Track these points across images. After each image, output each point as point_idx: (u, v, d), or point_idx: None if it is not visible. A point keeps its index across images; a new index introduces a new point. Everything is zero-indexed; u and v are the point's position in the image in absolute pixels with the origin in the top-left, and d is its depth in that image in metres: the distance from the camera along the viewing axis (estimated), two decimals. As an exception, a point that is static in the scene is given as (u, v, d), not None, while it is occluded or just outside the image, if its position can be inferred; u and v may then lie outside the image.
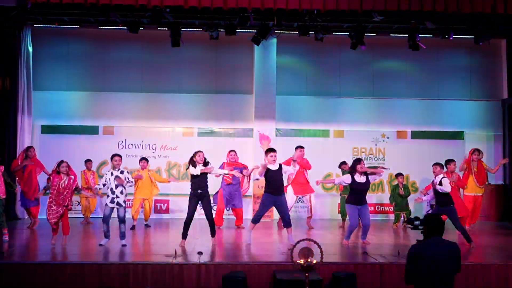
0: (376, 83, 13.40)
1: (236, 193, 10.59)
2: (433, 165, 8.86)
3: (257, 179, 9.12)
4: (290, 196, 10.25)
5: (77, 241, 8.98)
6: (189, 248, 8.16)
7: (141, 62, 13.08)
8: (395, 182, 11.36)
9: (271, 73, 12.86)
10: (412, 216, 11.08)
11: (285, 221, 8.52)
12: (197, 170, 8.28)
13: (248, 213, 12.12)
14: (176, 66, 13.04)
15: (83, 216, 11.25)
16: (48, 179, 8.65)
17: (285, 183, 9.30)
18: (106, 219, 8.25)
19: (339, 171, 11.97)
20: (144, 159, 10.71)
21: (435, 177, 8.67)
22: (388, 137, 13.13)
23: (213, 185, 9.92)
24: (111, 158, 8.42)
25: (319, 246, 6.53)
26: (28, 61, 12.39)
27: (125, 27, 11.45)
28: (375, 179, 8.98)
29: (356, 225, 8.78)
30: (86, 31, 12.82)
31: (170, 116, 13.02)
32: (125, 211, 8.40)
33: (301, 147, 10.50)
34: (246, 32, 11.89)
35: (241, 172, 9.68)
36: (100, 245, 8.21)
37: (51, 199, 8.23)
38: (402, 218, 11.25)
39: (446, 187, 8.49)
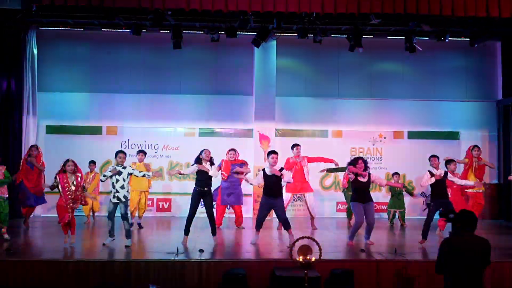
0: (374, 85, 13.41)
1: (235, 190, 10.37)
2: (432, 157, 8.84)
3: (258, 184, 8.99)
4: (285, 195, 10.05)
5: (80, 239, 8.99)
6: (190, 246, 8.17)
7: (143, 63, 13.08)
8: (408, 179, 11.34)
9: (270, 74, 12.87)
10: (405, 214, 11.19)
11: (284, 224, 8.50)
12: (214, 171, 8.53)
13: (248, 212, 12.13)
14: (178, 67, 13.05)
15: (85, 215, 11.15)
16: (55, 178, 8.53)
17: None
18: (110, 215, 8.20)
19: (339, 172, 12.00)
20: (141, 152, 10.52)
21: (436, 169, 8.67)
22: (385, 137, 13.14)
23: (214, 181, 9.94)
24: (116, 155, 8.38)
25: (317, 243, 6.54)
26: (33, 62, 12.40)
27: (128, 30, 11.47)
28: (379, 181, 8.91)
29: (361, 222, 8.53)
30: (90, 33, 12.82)
31: (172, 117, 13.03)
32: (126, 208, 8.31)
33: (297, 145, 10.46)
34: (246, 34, 11.91)
35: (241, 167, 9.76)
36: (104, 244, 8.13)
37: (61, 199, 8.11)
38: (397, 216, 11.26)
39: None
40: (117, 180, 8.20)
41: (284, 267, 6.95)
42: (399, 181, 11.24)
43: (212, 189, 8.91)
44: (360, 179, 8.49)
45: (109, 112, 12.90)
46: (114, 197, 8.21)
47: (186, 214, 8.51)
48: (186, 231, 8.45)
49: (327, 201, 12.79)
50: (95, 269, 7.00)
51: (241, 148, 11.29)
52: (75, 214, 8.34)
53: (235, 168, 9.68)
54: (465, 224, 4.80)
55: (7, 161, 9.91)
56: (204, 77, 13.15)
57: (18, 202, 10.26)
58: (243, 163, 10.20)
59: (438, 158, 8.90)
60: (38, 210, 11.69)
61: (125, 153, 8.49)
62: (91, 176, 11.08)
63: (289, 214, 9.18)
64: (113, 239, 8.25)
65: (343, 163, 12.78)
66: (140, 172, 8.54)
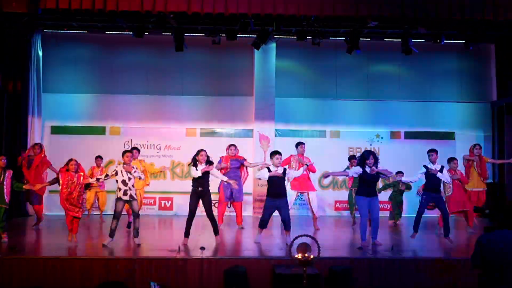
0: (371, 86, 13.41)
1: (240, 185, 10.02)
2: (430, 151, 8.68)
3: (260, 179, 8.89)
4: (290, 194, 9.82)
5: (84, 237, 8.99)
6: (192, 243, 8.16)
7: (146, 65, 13.08)
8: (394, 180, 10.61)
9: (270, 76, 12.87)
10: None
11: (286, 224, 8.29)
12: (198, 172, 8.14)
13: (247, 210, 12.11)
14: (179, 69, 13.05)
15: (87, 213, 11.06)
16: (58, 174, 8.43)
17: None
18: (117, 215, 8.01)
19: (336, 170, 11.95)
20: (135, 149, 9.99)
21: (433, 164, 8.57)
22: (382, 138, 13.14)
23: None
24: (123, 154, 8.22)
25: (316, 241, 6.54)
26: (38, 64, 12.40)
27: (131, 32, 11.46)
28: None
29: (367, 216, 8.26)
30: (94, 36, 12.83)
31: (173, 117, 13.03)
32: (137, 205, 8.21)
33: (302, 143, 10.22)
34: (246, 37, 11.90)
35: (243, 164, 9.72)
36: (104, 245, 7.87)
37: (63, 198, 8.00)
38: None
39: (445, 175, 8.57)
40: (129, 178, 8.03)
41: (283, 265, 6.95)
42: (402, 179, 10.81)
43: (213, 188, 8.83)
44: (368, 170, 8.17)
45: (112, 113, 12.91)
46: (125, 194, 7.98)
47: (187, 213, 8.46)
48: (186, 233, 8.25)
49: (325, 200, 12.77)
50: (99, 266, 6.99)
51: (241, 148, 11.24)
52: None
53: (233, 163, 9.66)
54: (504, 221, 4.67)
55: (13, 161, 9.87)
56: (205, 78, 13.14)
57: (24, 201, 10.13)
58: (243, 160, 10.05)
59: (437, 152, 8.71)
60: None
61: (132, 152, 8.39)
62: (98, 171, 10.84)
63: (291, 212, 9.04)
64: (112, 240, 8.02)
65: (340, 163, 12.86)
66: (140, 178, 8.37)
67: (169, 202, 12.67)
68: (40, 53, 12.49)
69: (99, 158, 11.10)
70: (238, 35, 11.39)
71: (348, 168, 10.50)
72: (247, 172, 10.49)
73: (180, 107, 13.05)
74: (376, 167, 8.21)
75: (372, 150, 12.54)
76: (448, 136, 13.16)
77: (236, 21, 10.81)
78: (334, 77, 13.36)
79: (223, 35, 11.51)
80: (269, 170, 8.27)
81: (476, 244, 4.66)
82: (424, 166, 8.64)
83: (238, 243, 8.87)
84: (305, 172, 9.86)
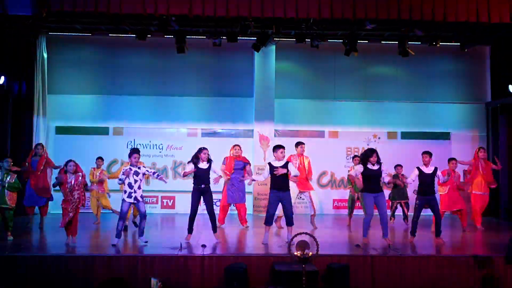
0: (368, 87, 13.40)
1: (239, 187, 9.94)
2: (423, 154, 8.59)
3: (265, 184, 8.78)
4: (292, 190, 9.58)
5: (88, 235, 8.99)
6: (193, 241, 8.17)
7: (148, 67, 13.08)
8: (394, 173, 10.59)
9: (270, 77, 12.85)
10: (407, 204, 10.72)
11: (288, 219, 8.20)
12: (190, 165, 8.27)
13: (247, 209, 12.06)
14: (181, 71, 13.04)
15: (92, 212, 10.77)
16: (59, 173, 8.32)
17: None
18: (123, 216, 7.97)
19: (334, 169, 12.01)
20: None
21: (426, 166, 8.49)
22: (379, 138, 13.14)
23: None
24: (130, 155, 8.11)
25: (315, 239, 6.54)
26: (43, 66, 12.40)
27: (134, 35, 11.47)
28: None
29: (372, 215, 8.24)
30: (97, 38, 12.83)
31: (175, 118, 13.03)
32: (144, 206, 8.16)
33: (302, 143, 10.12)
34: (246, 39, 11.89)
35: (244, 167, 9.71)
36: (113, 245, 7.80)
37: (63, 199, 7.96)
38: (402, 212, 10.77)
39: (441, 177, 8.60)
40: (135, 181, 7.99)
41: (283, 262, 6.96)
42: (402, 173, 10.58)
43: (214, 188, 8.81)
44: (370, 166, 8.15)
45: (116, 113, 12.91)
46: (130, 197, 7.96)
47: (189, 211, 8.45)
48: (190, 230, 8.32)
49: (324, 199, 12.75)
50: (102, 263, 6.99)
51: (242, 148, 11.25)
52: (82, 211, 8.25)
53: (237, 163, 9.64)
54: None
55: (18, 161, 9.85)
56: (206, 80, 13.14)
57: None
58: (247, 162, 9.97)
59: (430, 155, 8.62)
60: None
61: (139, 153, 8.26)
62: (97, 173, 10.57)
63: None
64: (119, 240, 7.97)
65: (338, 163, 12.89)
66: (153, 172, 8.32)
67: (171, 201, 12.67)
68: (45, 55, 12.49)
69: (99, 159, 10.73)
70: (238, 38, 11.39)
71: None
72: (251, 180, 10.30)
73: (182, 108, 13.05)
74: (379, 165, 8.21)
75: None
76: (443, 136, 13.16)
77: (236, 24, 10.82)
78: (332, 79, 13.36)
79: (224, 38, 11.52)
80: (272, 166, 8.15)
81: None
82: (417, 168, 8.58)
83: (239, 240, 8.87)
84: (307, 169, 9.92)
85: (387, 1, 9.19)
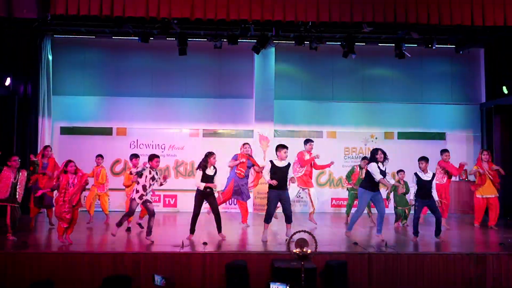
0: (366, 88, 13.42)
1: (244, 186, 9.86)
2: (419, 160, 8.52)
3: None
4: (292, 188, 9.53)
5: (91, 233, 9.00)
6: (195, 239, 8.18)
7: (151, 69, 13.09)
8: (396, 178, 10.35)
9: (269, 79, 12.87)
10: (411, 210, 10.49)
11: (287, 217, 8.23)
12: (202, 185, 8.15)
13: (249, 206, 12.07)
14: (183, 72, 13.06)
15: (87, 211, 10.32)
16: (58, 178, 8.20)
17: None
18: (131, 213, 8.09)
19: (332, 168, 12.01)
20: (135, 156, 9.51)
21: (424, 172, 8.42)
22: (376, 138, 13.15)
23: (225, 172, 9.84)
24: (151, 158, 8.06)
25: (313, 237, 6.56)
26: (48, 68, 12.41)
27: (137, 37, 11.48)
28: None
29: (363, 212, 8.32)
30: (101, 40, 12.84)
31: (177, 119, 13.04)
32: (153, 205, 8.17)
33: (311, 140, 10.13)
34: (247, 41, 11.91)
35: (249, 167, 9.67)
36: (113, 235, 7.90)
37: (60, 199, 7.73)
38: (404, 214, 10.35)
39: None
40: (150, 185, 8.03)
41: (282, 259, 6.97)
42: (404, 178, 10.20)
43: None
44: (380, 167, 8.16)
45: (119, 114, 12.92)
46: (141, 198, 7.98)
47: (191, 210, 8.45)
48: (192, 230, 8.28)
49: (322, 197, 12.76)
50: (106, 260, 7.01)
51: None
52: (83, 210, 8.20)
53: (248, 163, 9.64)
54: None
55: (24, 160, 9.84)
56: (208, 81, 13.16)
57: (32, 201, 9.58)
58: (255, 164, 9.85)
59: (426, 160, 8.52)
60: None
61: (158, 157, 8.21)
62: (97, 170, 10.15)
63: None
64: (121, 226, 8.04)
65: (338, 163, 12.87)
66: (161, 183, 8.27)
67: (173, 199, 12.68)
68: (50, 57, 12.50)
69: (99, 156, 10.34)
70: (239, 40, 11.40)
71: (360, 168, 10.29)
72: (257, 182, 10.17)
73: (184, 109, 13.06)
74: (383, 163, 8.25)
75: (365, 150, 12.76)
76: (439, 136, 13.18)
77: (237, 27, 10.83)
78: (330, 80, 13.37)
79: (224, 40, 11.53)
80: (274, 165, 8.13)
81: None
82: (415, 174, 8.50)
83: (239, 238, 8.88)
84: (308, 169, 9.89)
85: (383, 4, 9.20)
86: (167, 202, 12.64)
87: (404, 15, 9.24)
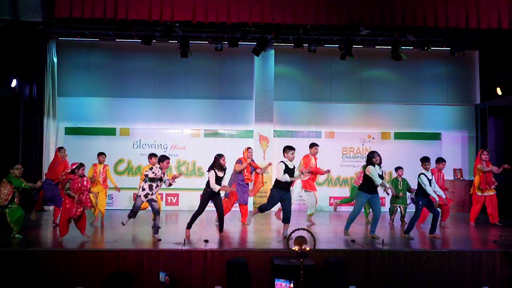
0: (363, 90, 13.41)
1: (246, 189, 9.87)
2: (425, 162, 8.46)
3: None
4: (296, 189, 9.73)
5: (95, 231, 8.99)
6: (196, 236, 8.17)
7: (153, 71, 13.09)
8: (394, 176, 10.45)
9: (269, 81, 12.87)
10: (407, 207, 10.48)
11: (286, 217, 8.24)
12: (217, 188, 8.09)
13: (249, 205, 12.07)
14: (184, 74, 13.06)
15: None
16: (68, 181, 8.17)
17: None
18: (136, 210, 8.09)
19: (331, 168, 11.95)
20: (154, 156, 9.36)
21: (428, 171, 8.41)
22: (373, 138, 13.14)
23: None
24: (161, 160, 7.99)
25: (312, 235, 6.55)
26: (53, 70, 12.42)
27: (140, 40, 11.44)
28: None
29: (358, 213, 8.35)
30: (105, 43, 12.85)
31: (179, 119, 13.04)
32: (157, 204, 8.18)
33: (316, 144, 10.01)
34: (247, 44, 11.90)
35: (252, 172, 9.63)
36: (123, 223, 8.09)
37: (67, 200, 7.86)
38: (399, 211, 10.36)
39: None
40: (157, 186, 8.03)
41: (281, 256, 6.96)
42: (402, 175, 10.26)
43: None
44: (377, 169, 8.14)
45: (122, 115, 12.92)
46: (146, 196, 8.00)
47: (192, 208, 8.46)
48: (189, 225, 8.28)
49: (321, 196, 12.73)
50: (109, 257, 7.00)
51: (242, 147, 11.23)
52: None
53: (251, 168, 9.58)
54: None
55: (29, 160, 9.85)
56: (209, 83, 13.15)
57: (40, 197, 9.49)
58: (257, 167, 9.81)
59: (429, 161, 8.53)
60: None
61: (169, 159, 8.17)
62: (100, 168, 9.85)
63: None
64: (128, 220, 8.15)
65: (334, 162, 12.89)
66: (169, 181, 8.18)
67: (175, 198, 12.68)
68: (55, 59, 12.50)
69: (101, 154, 10.02)
70: (239, 43, 11.38)
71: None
72: (262, 184, 10.11)
73: (185, 110, 13.06)
74: (380, 165, 8.21)
75: (363, 150, 12.74)
76: (434, 136, 13.17)
77: (237, 30, 10.82)
78: (329, 82, 13.37)
79: (225, 43, 11.51)
80: (287, 166, 8.10)
81: None
82: (424, 175, 8.40)
83: (240, 236, 8.87)
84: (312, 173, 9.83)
85: (380, 8, 9.20)
86: (169, 201, 12.64)
87: (401, 18, 9.23)
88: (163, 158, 8.08)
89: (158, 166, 8.04)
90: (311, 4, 9.14)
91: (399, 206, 10.32)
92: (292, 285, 6.00)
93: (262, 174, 9.95)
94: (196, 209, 8.42)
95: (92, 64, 12.99)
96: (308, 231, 6.56)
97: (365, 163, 9.78)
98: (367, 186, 8.26)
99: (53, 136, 12.32)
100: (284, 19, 9.21)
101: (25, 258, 6.97)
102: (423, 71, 13.48)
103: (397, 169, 10.37)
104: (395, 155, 12.67)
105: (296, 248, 6.36)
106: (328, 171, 10.14)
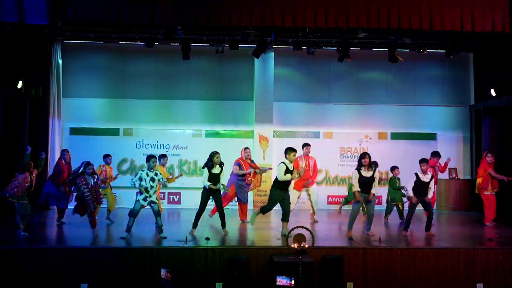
0: (361, 91, 13.42)
1: (246, 188, 9.84)
2: (421, 162, 8.48)
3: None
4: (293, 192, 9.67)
5: (98, 229, 8.98)
6: (197, 234, 8.18)
7: (156, 72, 13.10)
8: (391, 175, 10.38)
9: (269, 82, 12.87)
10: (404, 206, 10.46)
11: (285, 215, 8.24)
12: (206, 184, 8.19)
13: (248, 204, 12.07)
14: (186, 76, 13.06)
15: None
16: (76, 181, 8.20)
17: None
18: (134, 213, 7.93)
19: (329, 167, 11.98)
20: (165, 156, 9.58)
21: (424, 174, 8.41)
22: (370, 138, 13.15)
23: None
24: (148, 159, 7.97)
25: (311, 232, 6.57)
26: (58, 72, 12.42)
27: (142, 43, 11.46)
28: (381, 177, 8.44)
29: (358, 212, 8.24)
30: (109, 45, 12.85)
31: (181, 120, 13.04)
32: (158, 206, 8.11)
33: (308, 144, 10.04)
34: (247, 46, 11.90)
35: (254, 172, 9.60)
36: (122, 238, 7.81)
37: (79, 199, 7.99)
38: (395, 209, 10.40)
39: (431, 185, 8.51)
40: (151, 187, 7.93)
41: (281, 254, 6.97)
42: (398, 175, 10.26)
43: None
44: (364, 174, 8.10)
45: (126, 116, 12.93)
46: (145, 200, 7.90)
47: (194, 207, 8.47)
48: (195, 225, 8.33)
49: (319, 195, 12.73)
50: (113, 255, 7.01)
51: (242, 147, 11.26)
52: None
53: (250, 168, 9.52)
54: None
55: (35, 159, 9.81)
56: (210, 84, 13.16)
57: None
58: (256, 168, 9.78)
59: (427, 162, 8.56)
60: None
61: (157, 158, 8.16)
62: (109, 170, 9.96)
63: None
64: (128, 235, 7.95)
65: (332, 161, 12.90)
66: (164, 180, 8.18)
67: (177, 197, 12.69)
68: (60, 61, 12.50)
69: (109, 156, 10.08)
70: (239, 45, 11.38)
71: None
72: (260, 184, 10.12)
73: (187, 110, 13.06)
74: (373, 168, 8.12)
75: (360, 150, 12.73)
76: (430, 137, 13.18)
77: (238, 32, 10.82)
78: (327, 83, 13.37)
79: (226, 45, 11.51)
80: (288, 168, 8.09)
81: None
82: (416, 174, 8.47)
83: (240, 234, 8.87)
84: (313, 170, 9.85)
85: (377, 11, 9.19)
86: (171, 199, 12.65)
87: (397, 21, 9.23)
88: (149, 158, 8.02)
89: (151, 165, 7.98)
90: (310, 8, 9.13)
91: (396, 204, 10.31)
92: (292, 281, 6.02)
93: (260, 174, 9.94)
94: (197, 208, 8.43)
95: (96, 66, 12.99)
96: (307, 229, 6.58)
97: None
98: (360, 188, 8.18)
99: (58, 136, 12.33)
100: (283, 22, 9.20)
101: (31, 255, 6.97)
102: (419, 73, 13.48)
103: (393, 168, 10.36)
104: (391, 154, 12.69)
105: (295, 245, 6.38)
106: (312, 184, 10.00)
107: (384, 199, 12.64)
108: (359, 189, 8.09)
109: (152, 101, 13.02)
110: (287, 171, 8.09)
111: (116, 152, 11.88)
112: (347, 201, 10.51)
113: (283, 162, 8.20)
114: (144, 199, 7.93)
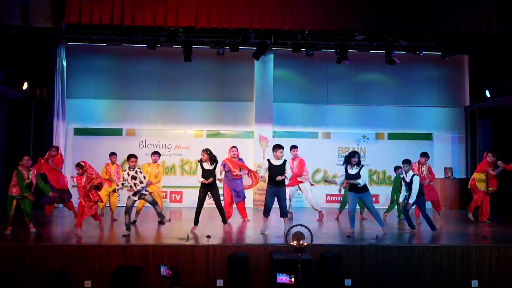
0: (358, 92, 13.42)
1: (238, 188, 9.65)
2: (403, 163, 8.53)
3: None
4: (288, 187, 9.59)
5: (99, 227, 8.99)
6: (198, 232, 8.18)
7: (158, 74, 13.10)
8: (395, 175, 10.20)
9: (269, 83, 12.87)
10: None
11: (282, 212, 8.22)
12: (200, 180, 8.24)
13: (248, 203, 12.08)
14: (188, 77, 13.06)
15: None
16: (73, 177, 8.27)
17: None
18: (128, 210, 7.96)
19: (327, 167, 11.96)
20: (156, 153, 9.76)
21: (406, 174, 8.46)
22: (368, 138, 13.15)
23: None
24: (128, 158, 8.11)
25: (309, 230, 6.56)
26: (62, 73, 12.41)
27: (145, 45, 11.48)
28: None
29: (353, 210, 8.26)
30: (112, 48, 12.85)
31: (183, 120, 13.04)
32: (151, 196, 8.20)
33: (295, 147, 10.06)
34: (247, 49, 11.91)
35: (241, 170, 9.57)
36: (124, 235, 7.77)
37: (79, 199, 8.11)
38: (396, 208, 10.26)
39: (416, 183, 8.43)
40: (135, 184, 8.02)
41: (280, 251, 6.97)
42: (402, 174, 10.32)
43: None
44: (350, 171, 8.15)
45: (129, 116, 12.93)
46: (135, 195, 8.03)
47: (195, 205, 8.45)
48: (196, 222, 8.36)
49: (318, 194, 12.73)
50: (116, 252, 7.00)
51: (243, 147, 11.29)
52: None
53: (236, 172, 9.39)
54: None
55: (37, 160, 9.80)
56: (211, 85, 13.16)
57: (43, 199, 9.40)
58: (244, 168, 9.57)
59: (409, 163, 8.58)
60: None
61: (136, 157, 8.20)
62: (114, 168, 9.90)
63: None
64: (129, 233, 7.90)
65: (331, 161, 12.90)
66: (144, 180, 8.10)
67: (179, 195, 12.69)
68: (64, 63, 12.49)
69: (112, 155, 10.04)
70: (240, 47, 11.40)
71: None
72: (257, 181, 9.89)
73: (189, 111, 13.06)
74: (359, 169, 8.11)
75: (358, 150, 12.73)
76: (426, 137, 13.17)
77: (238, 35, 10.83)
78: (325, 85, 13.37)
79: (226, 47, 11.53)
80: (270, 163, 8.14)
81: None
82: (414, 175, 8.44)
83: (240, 232, 8.87)
84: (296, 170, 9.82)
85: (374, 14, 9.20)
86: (173, 198, 12.64)
87: (394, 24, 9.23)
88: (128, 157, 8.11)
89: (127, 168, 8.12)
90: (309, 11, 9.14)
91: (399, 204, 10.16)
92: (292, 279, 6.01)
93: (254, 173, 9.72)
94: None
95: (100, 67, 12.99)
96: (306, 227, 6.57)
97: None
98: (352, 186, 8.24)
99: (63, 136, 12.31)
100: (282, 25, 9.20)
101: (36, 253, 6.96)
102: (415, 75, 13.48)
103: (397, 168, 10.22)
104: (388, 154, 12.70)
105: (294, 243, 6.37)
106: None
107: (380, 198, 12.70)
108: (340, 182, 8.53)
109: (154, 102, 13.02)
110: (270, 167, 8.12)
111: (119, 152, 11.79)
112: (344, 202, 10.45)
113: (268, 159, 8.27)
114: (134, 194, 8.05)
